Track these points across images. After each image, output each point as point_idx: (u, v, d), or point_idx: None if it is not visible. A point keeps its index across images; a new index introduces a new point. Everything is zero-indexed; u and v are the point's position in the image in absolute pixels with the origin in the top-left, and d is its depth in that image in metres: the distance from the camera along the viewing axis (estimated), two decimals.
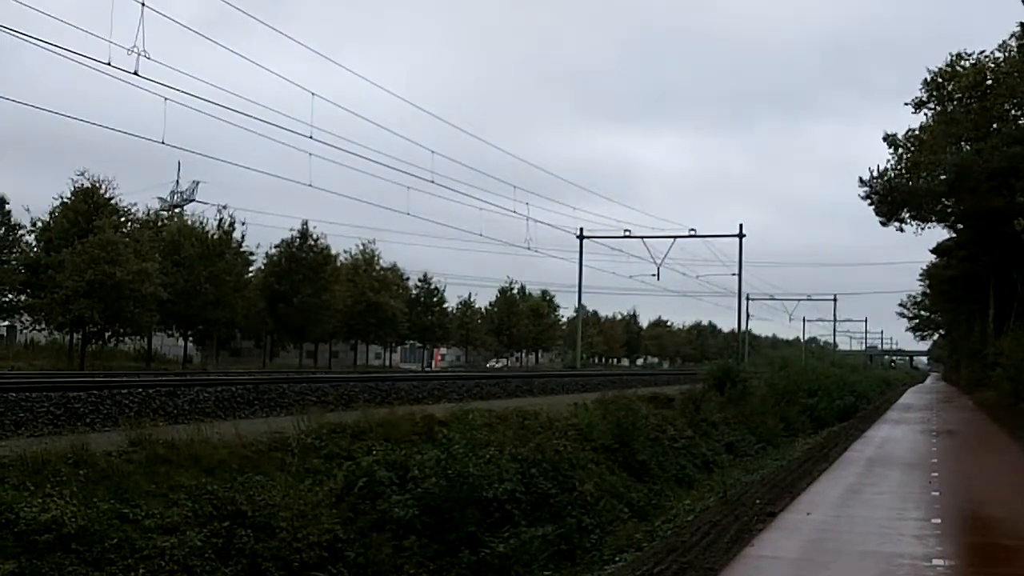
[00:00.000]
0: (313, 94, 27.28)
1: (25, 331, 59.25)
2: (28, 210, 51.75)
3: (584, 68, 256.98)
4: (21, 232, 50.54)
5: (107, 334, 51.35)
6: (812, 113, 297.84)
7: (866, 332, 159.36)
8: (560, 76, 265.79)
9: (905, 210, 55.91)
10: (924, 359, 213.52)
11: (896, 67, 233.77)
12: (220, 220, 62.19)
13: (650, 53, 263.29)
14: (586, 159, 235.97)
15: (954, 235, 62.54)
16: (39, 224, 50.70)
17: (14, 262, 49.05)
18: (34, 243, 50.77)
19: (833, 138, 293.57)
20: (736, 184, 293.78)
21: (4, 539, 9.67)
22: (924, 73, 51.17)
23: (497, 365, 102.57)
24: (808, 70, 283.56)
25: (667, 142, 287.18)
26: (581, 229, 59.80)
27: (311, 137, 26.87)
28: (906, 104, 51.95)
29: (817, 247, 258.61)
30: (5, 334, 68.26)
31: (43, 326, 52.66)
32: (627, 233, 56.82)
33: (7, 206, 49.87)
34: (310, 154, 29.30)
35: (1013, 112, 47.88)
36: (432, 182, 34.38)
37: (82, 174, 50.47)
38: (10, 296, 50.16)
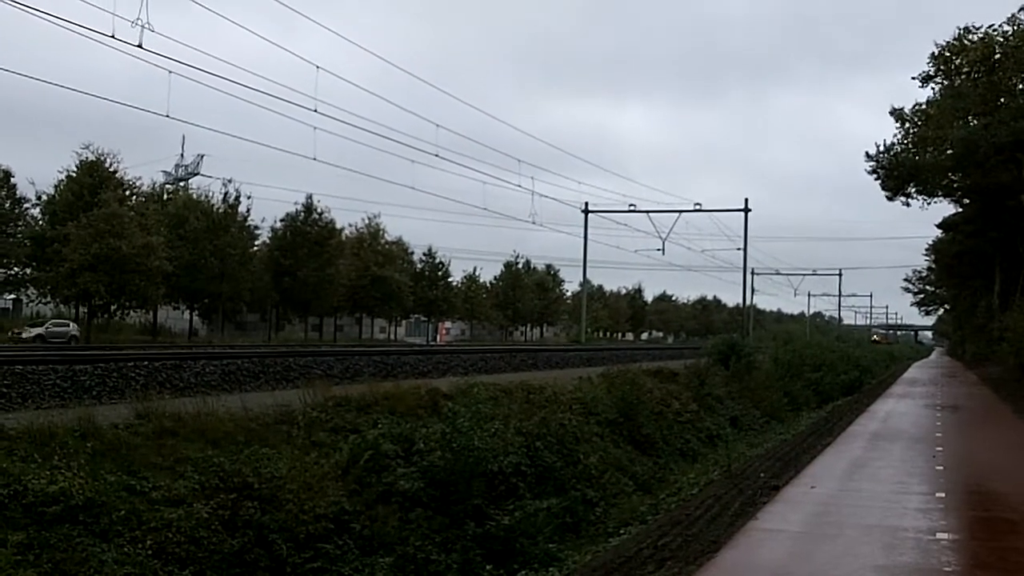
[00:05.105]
0: (318, 67, 27.15)
1: (31, 304, 59.37)
2: (33, 183, 51.97)
3: (543, 35, 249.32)
4: (26, 206, 50.67)
5: (113, 307, 51.44)
6: (779, 81, 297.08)
7: (871, 307, 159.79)
8: (517, 44, 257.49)
9: (911, 184, 55.79)
10: (929, 334, 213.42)
11: (862, 36, 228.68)
12: (225, 194, 62.30)
13: (612, 19, 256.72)
14: (557, 131, 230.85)
15: (960, 210, 62.34)
16: (44, 198, 50.72)
17: (19, 235, 49.10)
18: (39, 216, 50.78)
19: (801, 107, 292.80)
20: (714, 156, 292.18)
21: (12, 511, 9.71)
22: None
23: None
24: (773, 38, 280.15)
25: (637, 112, 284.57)
26: (586, 203, 59.70)
27: (315, 111, 26.77)
28: (913, 78, 51.70)
29: (808, 221, 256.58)
30: (11, 307, 68.37)
31: (49, 299, 52.82)
32: (632, 208, 56.70)
33: (12, 179, 49.93)
34: (315, 127, 29.19)
35: (1021, 86, 47.64)
36: (437, 156, 34.28)
37: (87, 147, 50.47)
38: (16, 269, 50.17)
